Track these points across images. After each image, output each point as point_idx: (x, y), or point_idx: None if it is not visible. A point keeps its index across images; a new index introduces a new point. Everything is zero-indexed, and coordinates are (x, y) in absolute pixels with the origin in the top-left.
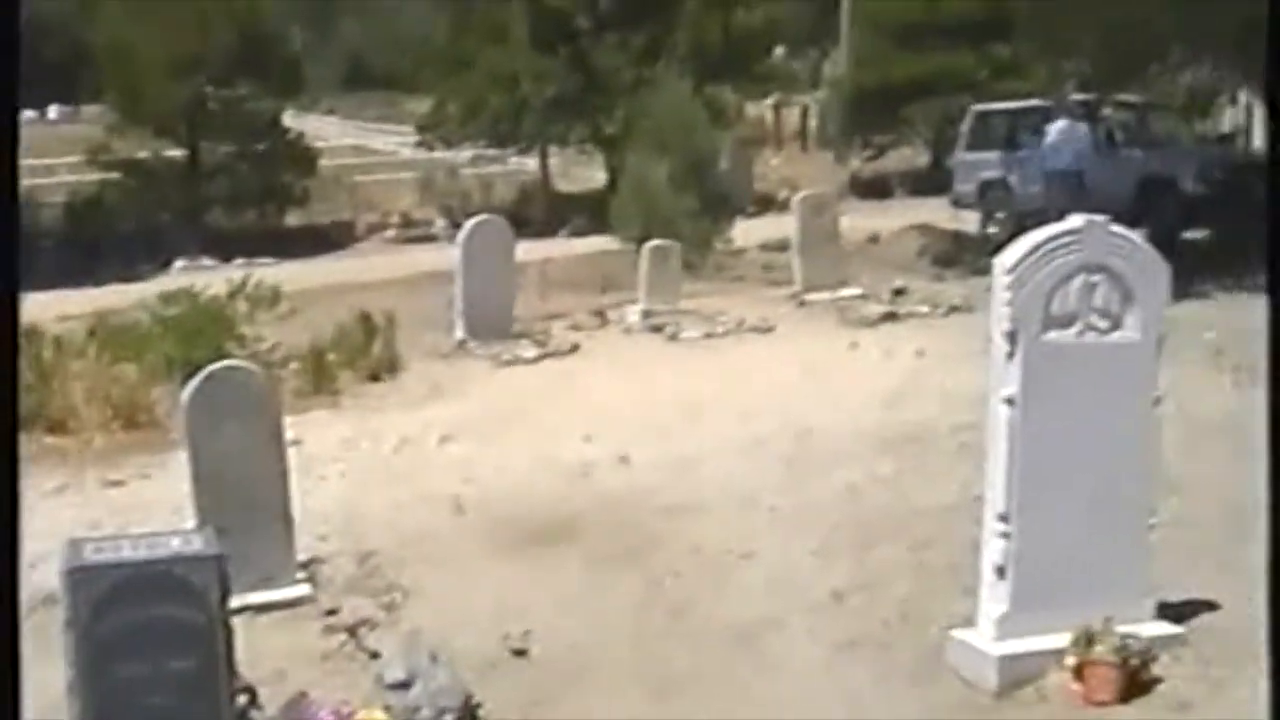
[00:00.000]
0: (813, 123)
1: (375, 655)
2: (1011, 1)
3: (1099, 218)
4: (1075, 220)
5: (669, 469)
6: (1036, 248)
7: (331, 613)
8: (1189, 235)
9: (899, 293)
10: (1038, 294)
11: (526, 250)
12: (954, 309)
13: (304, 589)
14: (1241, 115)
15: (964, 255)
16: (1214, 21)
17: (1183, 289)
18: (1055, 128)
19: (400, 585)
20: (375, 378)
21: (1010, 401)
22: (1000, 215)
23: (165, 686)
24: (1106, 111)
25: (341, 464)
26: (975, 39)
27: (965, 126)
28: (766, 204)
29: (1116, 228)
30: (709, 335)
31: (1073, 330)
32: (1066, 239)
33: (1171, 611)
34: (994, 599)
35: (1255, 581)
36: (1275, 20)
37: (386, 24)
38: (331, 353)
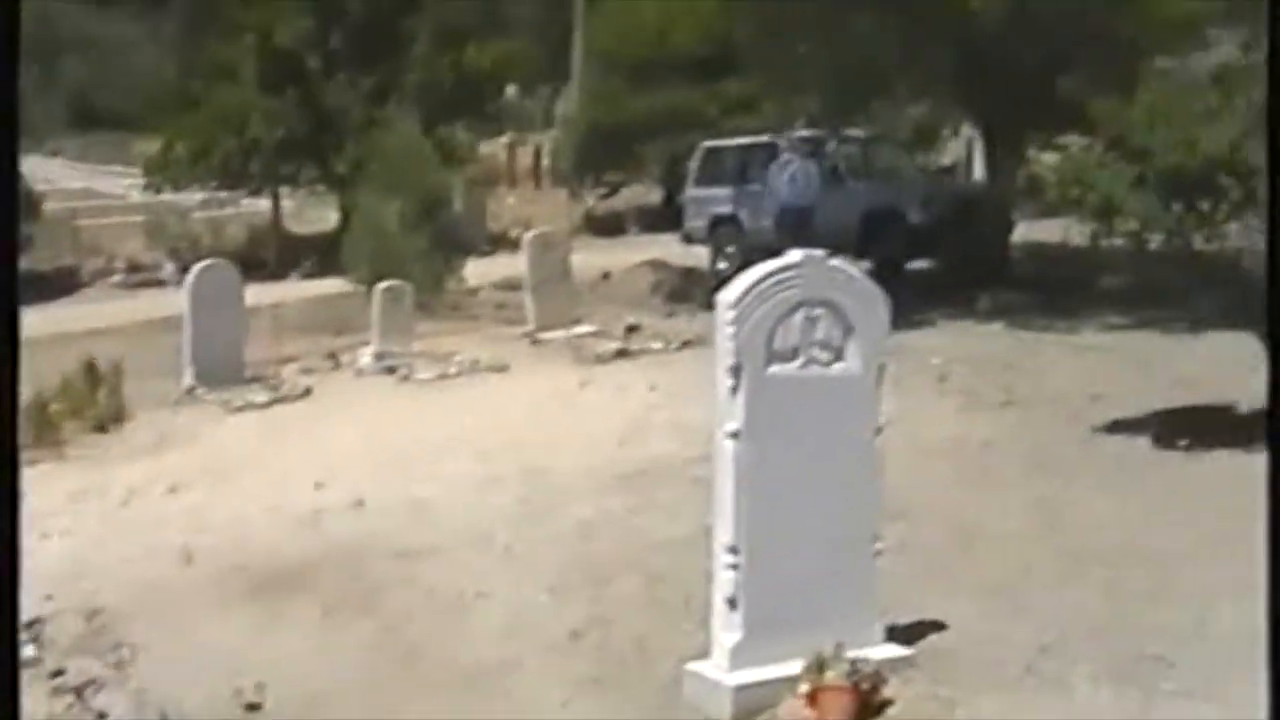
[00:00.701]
0: (547, 160)
1: (103, 716)
2: (740, 39)
3: (818, 252)
4: (795, 255)
5: (403, 512)
6: (758, 283)
7: (58, 674)
8: (914, 265)
9: (632, 329)
10: (760, 329)
11: (258, 294)
12: (686, 344)
13: (29, 650)
14: (962, 147)
15: (696, 290)
16: (933, 59)
17: (908, 318)
18: (783, 163)
19: (129, 642)
20: (102, 428)
21: (735, 435)
22: (731, 250)
23: None
24: (833, 146)
25: (67, 518)
26: (705, 76)
27: (695, 163)
28: (500, 243)
29: (835, 261)
30: (442, 376)
31: (795, 364)
32: (787, 274)
33: (901, 634)
34: (727, 630)
35: (981, 600)
36: (1275, 21)
37: (114, 62)
38: (55, 403)
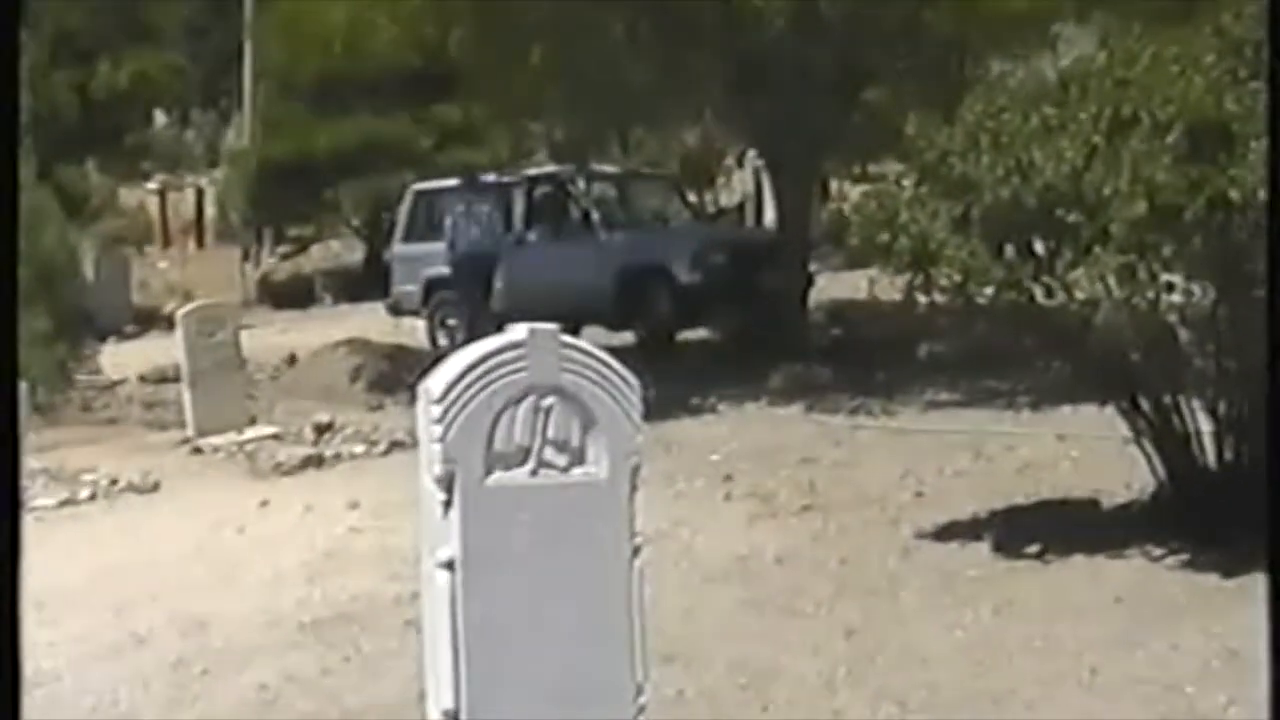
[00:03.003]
0: (211, 210)
1: None
2: (457, 48)
3: (547, 327)
4: (518, 331)
5: None
6: (470, 368)
7: None
8: (687, 335)
9: (325, 429)
10: (476, 426)
11: None
12: (396, 445)
13: None
14: (750, 182)
15: (408, 376)
16: (703, 70)
17: (683, 402)
18: (461, 208)
19: None
20: None
21: (449, 565)
22: (452, 322)
23: None
24: (579, 185)
25: None
26: (415, 98)
27: (404, 210)
28: (150, 321)
29: (569, 339)
30: (69, 501)
31: (524, 470)
32: (507, 354)
33: None
34: None
35: None
36: (1275, 19)
37: None
38: None
